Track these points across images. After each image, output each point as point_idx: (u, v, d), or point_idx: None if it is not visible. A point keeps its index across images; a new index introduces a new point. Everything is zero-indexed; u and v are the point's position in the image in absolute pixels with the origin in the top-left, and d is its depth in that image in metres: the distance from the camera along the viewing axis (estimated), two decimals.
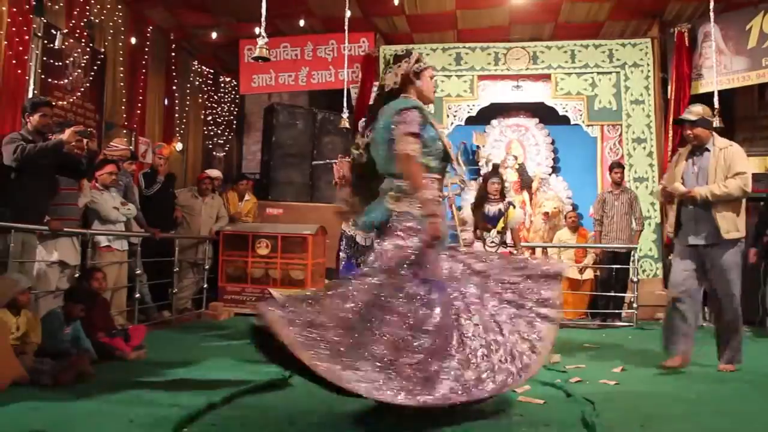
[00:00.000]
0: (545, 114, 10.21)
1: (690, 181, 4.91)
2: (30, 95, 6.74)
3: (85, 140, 5.33)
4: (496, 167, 8.44)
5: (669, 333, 4.93)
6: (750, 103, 10.47)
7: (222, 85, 11.96)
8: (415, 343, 3.13)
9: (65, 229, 5.61)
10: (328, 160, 7.27)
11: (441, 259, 3.51)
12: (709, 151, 4.91)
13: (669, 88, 9.46)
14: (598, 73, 9.63)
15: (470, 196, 8.66)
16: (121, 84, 8.78)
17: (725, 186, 4.69)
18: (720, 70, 8.74)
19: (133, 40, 9.06)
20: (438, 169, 3.57)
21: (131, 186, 7.14)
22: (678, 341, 4.85)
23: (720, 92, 7.77)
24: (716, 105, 7.43)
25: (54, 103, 7.16)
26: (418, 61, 3.70)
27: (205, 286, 8.20)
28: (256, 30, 6.07)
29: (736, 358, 4.85)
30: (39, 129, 5.21)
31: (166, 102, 10.07)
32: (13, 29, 6.55)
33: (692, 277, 4.90)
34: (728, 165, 4.77)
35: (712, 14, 7.58)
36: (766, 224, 7.30)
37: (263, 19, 5.80)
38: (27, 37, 6.75)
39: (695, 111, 4.98)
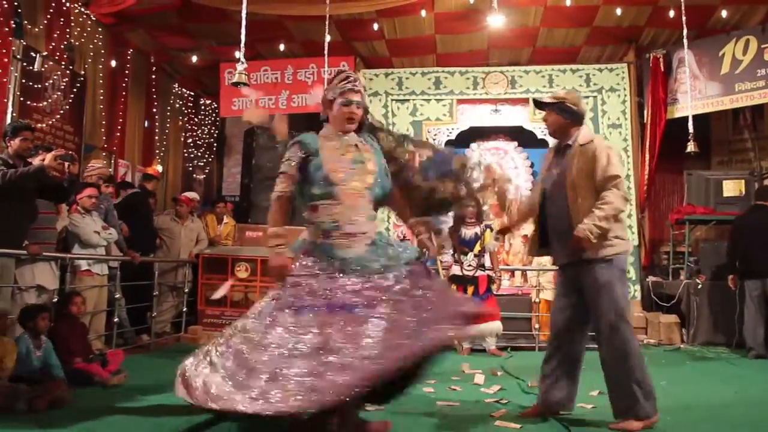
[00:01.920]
0: (524, 137, 10.31)
1: (548, 189, 4.05)
2: (9, 118, 6.72)
3: (66, 164, 5.30)
4: None
5: None
6: (724, 128, 10.64)
7: (202, 107, 11.97)
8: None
9: (44, 254, 5.57)
10: None
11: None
12: (570, 147, 3.98)
13: (645, 112, 9.62)
14: None
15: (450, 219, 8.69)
16: (101, 106, 8.76)
17: (604, 205, 3.74)
18: (694, 95, 8.92)
19: (113, 63, 9.07)
20: (320, 195, 3.50)
21: (112, 209, 7.08)
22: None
23: (695, 117, 7.93)
24: (691, 129, 7.58)
25: (34, 126, 7.16)
26: (334, 85, 3.60)
27: (185, 309, 8.15)
28: (237, 53, 6.11)
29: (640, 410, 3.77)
30: (20, 153, 5.19)
31: (146, 124, 10.06)
32: None
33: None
34: (592, 167, 3.83)
35: (685, 40, 7.75)
36: (737, 248, 7.36)
37: (242, 44, 5.83)
38: (6, 60, 6.75)
39: (556, 93, 4.18)
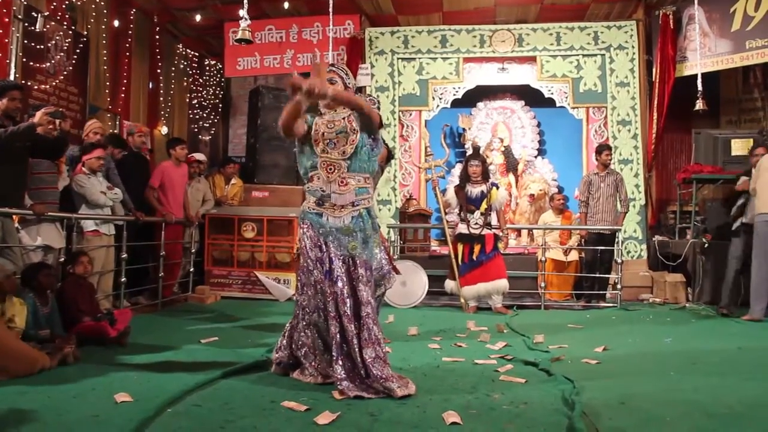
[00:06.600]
0: (531, 96, 10.23)
1: None
2: (12, 79, 6.67)
3: (57, 121, 5.26)
4: (477, 149, 8.45)
5: None
6: (734, 86, 10.53)
7: (207, 68, 11.90)
8: None
9: (49, 213, 5.58)
10: None
11: None
12: None
13: (654, 70, 9.50)
14: (584, 55, 9.64)
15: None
16: (105, 67, 8.72)
17: None
18: (704, 52, 8.80)
19: (116, 23, 9.00)
20: (311, 166, 3.83)
21: (113, 168, 7.00)
22: None
23: (704, 75, 7.84)
24: (700, 87, 7.50)
25: (36, 87, 7.13)
26: None
27: (191, 269, 8.19)
28: (241, 12, 6.05)
29: None
30: (8, 113, 5.13)
31: (150, 85, 10.01)
32: None
33: None
34: None
35: None
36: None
37: (245, 1, 5.77)
38: (7, 20, 6.68)
39: None
